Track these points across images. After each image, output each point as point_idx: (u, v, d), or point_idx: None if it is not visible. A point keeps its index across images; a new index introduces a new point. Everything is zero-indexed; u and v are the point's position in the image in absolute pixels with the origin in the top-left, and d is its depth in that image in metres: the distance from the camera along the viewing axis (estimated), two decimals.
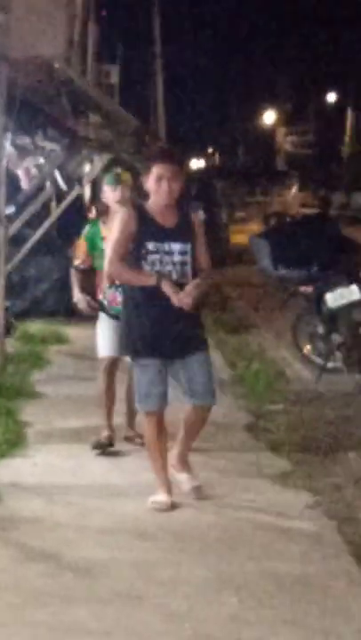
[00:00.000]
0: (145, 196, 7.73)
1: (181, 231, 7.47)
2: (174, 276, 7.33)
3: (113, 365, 8.80)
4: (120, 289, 8.28)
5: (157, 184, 7.38)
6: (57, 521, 7.63)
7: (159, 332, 7.37)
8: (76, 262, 8.80)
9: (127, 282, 7.51)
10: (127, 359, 8.50)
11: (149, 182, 7.48)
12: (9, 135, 12.74)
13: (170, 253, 7.33)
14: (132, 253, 7.38)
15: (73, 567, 6.77)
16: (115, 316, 8.73)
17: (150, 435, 7.63)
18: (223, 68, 63.52)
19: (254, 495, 8.25)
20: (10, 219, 15.34)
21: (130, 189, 8.72)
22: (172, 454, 7.67)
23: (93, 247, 8.43)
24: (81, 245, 8.68)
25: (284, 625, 5.91)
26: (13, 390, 10.54)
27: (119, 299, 8.34)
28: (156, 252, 7.32)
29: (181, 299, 7.06)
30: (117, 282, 8.12)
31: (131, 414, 8.85)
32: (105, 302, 9.08)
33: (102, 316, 9.07)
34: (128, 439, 8.70)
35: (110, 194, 8.50)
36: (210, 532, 7.31)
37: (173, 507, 7.54)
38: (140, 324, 7.44)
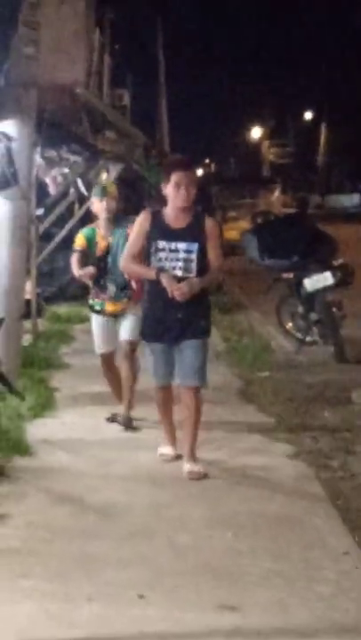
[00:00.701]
0: (162, 200, 7.69)
1: (189, 232, 7.37)
2: (179, 272, 7.25)
3: (109, 358, 8.71)
4: (107, 291, 8.35)
5: (176, 189, 7.29)
6: (81, 470, 7.67)
7: (162, 321, 7.35)
8: (77, 247, 8.68)
9: (135, 274, 7.57)
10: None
11: (168, 188, 7.37)
12: (39, 149, 12.69)
13: (176, 251, 7.26)
14: (145, 250, 7.36)
15: (95, 509, 6.83)
16: (98, 311, 8.69)
17: (158, 402, 7.69)
18: (217, 92, 63.30)
19: (245, 448, 8.31)
20: (40, 219, 15.35)
21: (115, 200, 8.61)
22: (184, 444, 7.59)
23: (90, 246, 8.32)
24: (80, 238, 8.56)
25: (271, 555, 5.97)
26: (44, 362, 10.54)
27: (102, 296, 8.47)
28: (164, 249, 7.26)
29: (174, 290, 7.04)
30: (127, 275, 8.08)
31: (127, 395, 8.66)
32: (92, 301, 8.91)
33: (93, 317, 8.92)
34: (128, 424, 8.57)
35: (97, 204, 8.39)
36: (208, 479, 7.36)
37: (177, 457, 7.56)
38: (150, 314, 7.47)
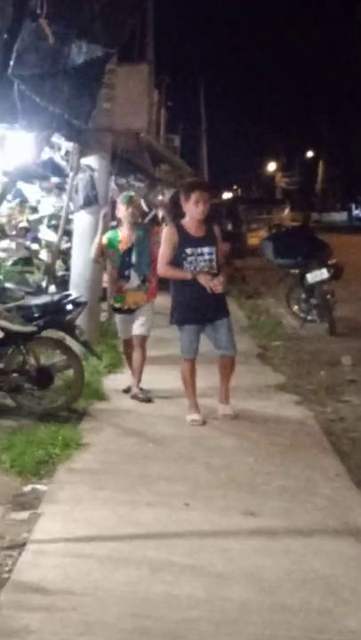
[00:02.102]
0: (181, 213, 7.59)
1: (208, 239, 7.27)
2: (206, 269, 7.15)
3: (128, 342, 8.33)
4: (130, 283, 8.02)
5: (195, 205, 7.17)
6: (142, 412, 7.67)
7: (194, 308, 7.21)
8: (93, 257, 8.40)
9: (172, 277, 7.29)
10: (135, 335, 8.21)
11: (189, 204, 7.23)
12: (113, 177, 12.63)
13: (202, 254, 7.15)
14: (177, 257, 7.21)
15: (152, 439, 6.84)
16: (118, 309, 8.28)
17: (185, 373, 7.44)
18: (244, 136, 63.13)
19: (263, 396, 8.31)
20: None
21: (137, 209, 8.40)
22: (221, 392, 7.50)
23: (111, 245, 8.12)
24: (101, 243, 8.27)
25: (281, 475, 6.00)
26: (115, 333, 10.52)
27: (125, 287, 8.06)
28: (192, 254, 7.15)
29: (215, 285, 6.99)
30: (162, 276, 7.71)
31: (137, 375, 8.23)
32: (111, 302, 8.60)
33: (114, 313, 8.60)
34: (135, 394, 8.12)
35: (123, 211, 8.22)
36: (235, 420, 7.35)
37: (204, 423, 7.32)
38: (183, 304, 7.28)
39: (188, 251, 7.16)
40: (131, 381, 8.22)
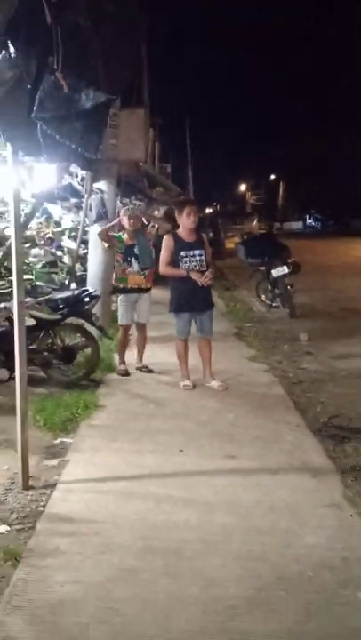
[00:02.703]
0: (175, 225, 7.57)
1: (198, 243, 7.21)
2: (198, 268, 7.11)
3: (126, 329, 8.05)
4: (132, 267, 7.84)
5: (187, 217, 7.13)
6: (145, 380, 7.64)
7: (188, 300, 7.17)
8: (106, 245, 8.31)
9: (171, 275, 7.22)
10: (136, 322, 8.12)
11: (182, 217, 7.19)
12: (119, 198, 12.55)
13: (193, 255, 7.11)
14: (174, 259, 7.15)
15: (153, 401, 6.82)
16: (122, 289, 8.02)
17: (179, 349, 7.40)
18: (222, 163, 62.95)
19: (239, 367, 8.24)
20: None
21: (137, 220, 8.12)
22: (206, 372, 7.37)
23: (118, 238, 7.94)
24: (111, 237, 8.18)
25: (255, 427, 6.00)
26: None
27: (127, 270, 7.86)
28: (186, 256, 7.12)
29: (205, 279, 6.99)
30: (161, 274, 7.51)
31: (140, 353, 8.12)
32: (116, 284, 8.23)
33: (120, 297, 8.18)
34: (140, 368, 8.01)
35: (126, 220, 8.13)
36: (215, 394, 7.21)
37: (193, 387, 7.27)
38: (179, 296, 7.22)
39: (183, 253, 7.13)
40: (131, 361, 8.10)
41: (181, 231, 7.30)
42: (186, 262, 7.16)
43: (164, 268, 7.27)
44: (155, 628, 3.14)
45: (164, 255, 7.24)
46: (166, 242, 7.26)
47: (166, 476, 4.89)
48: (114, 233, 8.19)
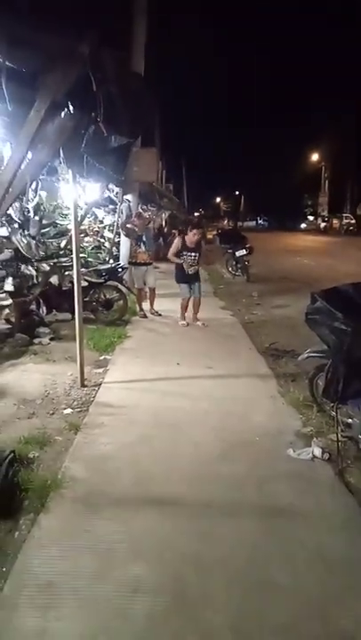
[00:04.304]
0: (183, 224, 7.41)
1: (196, 249, 6.98)
2: (190, 262, 6.92)
3: (141, 290, 7.74)
4: (141, 249, 7.59)
5: (193, 235, 6.93)
6: (156, 320, 7.57)
7: (187, 277, 7.00)
8: (124, 233, 8.13)
9: (173, 261, 6.99)
10: (145, 286, 7.74)
11: (190, 233, 6.97)
12: (139, 205, 12.25)
13: (190, 256, 6.89)
14: (179, 253, 6.91)
15: (161, 334, 6.78)
16: (136, 263, 7.71)
17: (183, 304, 7.20)
18: (205, 186, 61.57)
19: (214, 313, 8.09)
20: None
21: (144, 221, 7.89)
22: (193, 317, 7.23)
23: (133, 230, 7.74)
24: (128, 228, 7.80)
25: (224, 348, 5.94)
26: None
27: (138, 250, 7.60)
28: (185, 254, 6.90)
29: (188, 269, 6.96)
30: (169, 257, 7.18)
31: (152, 304, 7.86)
32: (130, 259, 7.87)
33: (133, 268, 7.77)
34: (152, 313, 7.80)
35: (138, 221, 7.75)
36: (200, 329, 7.21)
37: (189, 325, 7.22)
38: (180, 276, 7.04)
39: (185, 252, 6.95)
40: (146, 309, 7.90)
41: (188, 238, 7.04)
42: (184, 257, 6.98)
43: (171, 256, 7.06)
44: (162, 471, 3.19)
45: (173, 249, 7.05)
46: (177, 242, 7.06)
47: (169, 379, 4.88)
48: (131, 225, 8.01)
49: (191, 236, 7.06)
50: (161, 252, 11.80)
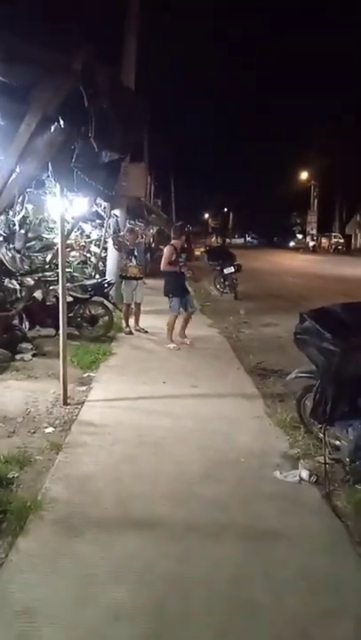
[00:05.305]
0: (166, 236, 7.50)
1: (184, 253, 7.04)
2: (182, 263, 6.90)
3: (128, 306, 7.79)
4: (132, 263, 7.64)
5: (182, 241, 7.03)
6: (142, 337, 7.59)
7: (180, 290, 6.97)
8: (115, 247, 8.30)
9: (169, 269, 6.89)
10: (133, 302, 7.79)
11: (181, 238, 7.05)
12: (127, 220, 12.36)
13: (181, 261, 6.83)
14: (174, 260, 6.85)
15: (147, 351, 6.80)
16: (127, 277, 7.74)
17: (170, 322, 7.06)
18: (193, 200, 61.99)
19: (201, 330, 8.02)
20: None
21: (135, 235, 7.95)
22: (181, 334, 7.16)
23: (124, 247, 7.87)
24: (120, 242, 8.05)
25: (211, 368, 5.97)
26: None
27: (129, 264, 7.63)
28: (180, 261, 6.87)
29: (188, 271, 6.96)
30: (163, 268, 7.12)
31: (137, 321, 7.89)
32: (121, 273, 7.99)
33: (125, 282, 7.78)
34: (137, 330, 7.81)
35: (128, 236, 7.89)
36: (186, 347, 7.18)
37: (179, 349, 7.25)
38: (173, 289, 6.95)
39: (179, 259, 6.93)
40: (132, 325, 7.91)
41: (177, 244, 7.03)
42: (180, 263, 6.96)
43: (166, 266, 6.96)
44: (145, 492, 3.18)
45: (167, 258, 6.96)
46: (170, 250, 7.00)
47: (154, 398, 4.89)
48: (122, 240, 8.08)
49: (181, 242, 7.06)
50: (148, 268, 11.89)
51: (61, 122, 3.00)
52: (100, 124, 2.98)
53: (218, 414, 4.49)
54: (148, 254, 15.70)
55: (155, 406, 4.65)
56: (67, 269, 5.22)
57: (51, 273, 7.23)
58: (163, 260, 7.09)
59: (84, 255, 11.50)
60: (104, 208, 11.19)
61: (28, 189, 7.28)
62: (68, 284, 6.90)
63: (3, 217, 7.09)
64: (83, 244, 12.02)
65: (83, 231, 12.76)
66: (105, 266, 10.71)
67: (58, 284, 4.87)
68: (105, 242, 11.16)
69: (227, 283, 12.67)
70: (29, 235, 8.24)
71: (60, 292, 4.68)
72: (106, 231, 10.88)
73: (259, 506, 3.06)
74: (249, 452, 3.75)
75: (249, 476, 3.42)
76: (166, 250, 7.12)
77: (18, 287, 6.67)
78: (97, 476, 3.34)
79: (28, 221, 8.72)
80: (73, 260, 10.91)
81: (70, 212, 9.60)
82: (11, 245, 7.18)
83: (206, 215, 78.59)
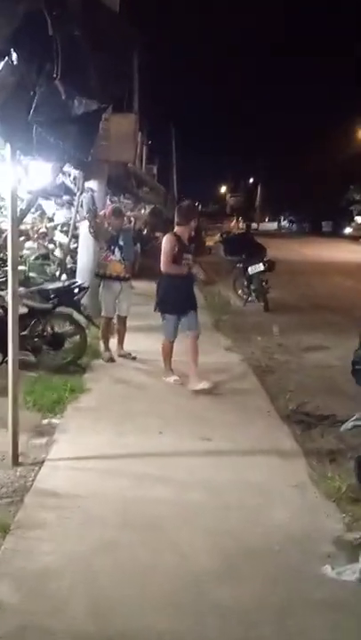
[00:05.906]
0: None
1: (189, 246, 7.04)
2: (196, 264, 7.08)
3: (108, 320, 7.96)
4: (115, 256, 7.79)
5: (191, 227, 7.00)
6: (128, 366, 7.62)
7: (178, 303, 6.89)
8: (92, 231, 8.63)
9: (174, 271, 6.85)
10: (116, 315, 7.99)
11: (188, 227, 6.98)
12: (108, 196, 12.46)
13: (187, 257, 6.85)
14: (177, 257, 6.79)
15: (135, 386, 6.82)
16: (108, 277, 7.87)
17: (166, 350, 7.08)
18: (204, 167, 62.46)
19: (218, 355, 8.19)
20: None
21: (121, 218, 8.20)
22: (192, 375, 6.88)
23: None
24: (98, 223, 8.45)
25: (229, 411, 6.01)
26: None
27: (110, 257, 7.77)
28: (185, 258, 6.84)
29: (200, 272, 7.00)
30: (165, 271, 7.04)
31: (121, 342, 8.04)
32: (97, 270, 8.16)
33: (103, 285, 7.97)
34: (122, 355, 7.94)
35: (114, 220, 8.10)
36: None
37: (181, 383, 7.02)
38: (168, 301, 6.90)
39: (183, 254, 6.88)
40: (113, 349, 8.00)
41: (182, 233, 6.98)
42: (184, 261, 6.90)
43: (166, 266, 6.89)
44: (131, 597, 3.15)
45: (168, 254, 6.86)
46: (171, 243, 6.89)
47: (145, 456, 4.88)
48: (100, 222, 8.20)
49: (189, 229, 7.01)
50: (137, 265, 11.95)
51: (14, 57, 3.04)
52: (71, 60, 3.00)
53: (240, 481, 4.47)
54: (138, 245, 15.77)
55: (147, 469, 4.64)
56: (19, 267, 5.24)
57: None
58: (163, 255, 6.94)
59: (45, 247, 11.59)
60: (74, 179, 11.27)
61: None
62: (21, 289, 6.93)
63: None
64: (43, 230, 12.12)
65: (43, 212, 12.88)
66: (75, 262, 10.78)
67: (6, 288, 4.88)
68: (75, 227, 11.25)
69: (253, 287, 12.75)
70: None
71: (8, 300, 4.69)
72: (77, 212, 10.95)
73: (302, 620, 3.02)
74: (286, 536, 3.73)
75: (287, 572, 3.39)
76: (166, 241, 6.97)
77: None
78: (61, 572, 3.31)
79: None
80: (29, 253, 10.99)
81: (26, 184, 9.68)
82: None
83: (223, 189, 79.39)
